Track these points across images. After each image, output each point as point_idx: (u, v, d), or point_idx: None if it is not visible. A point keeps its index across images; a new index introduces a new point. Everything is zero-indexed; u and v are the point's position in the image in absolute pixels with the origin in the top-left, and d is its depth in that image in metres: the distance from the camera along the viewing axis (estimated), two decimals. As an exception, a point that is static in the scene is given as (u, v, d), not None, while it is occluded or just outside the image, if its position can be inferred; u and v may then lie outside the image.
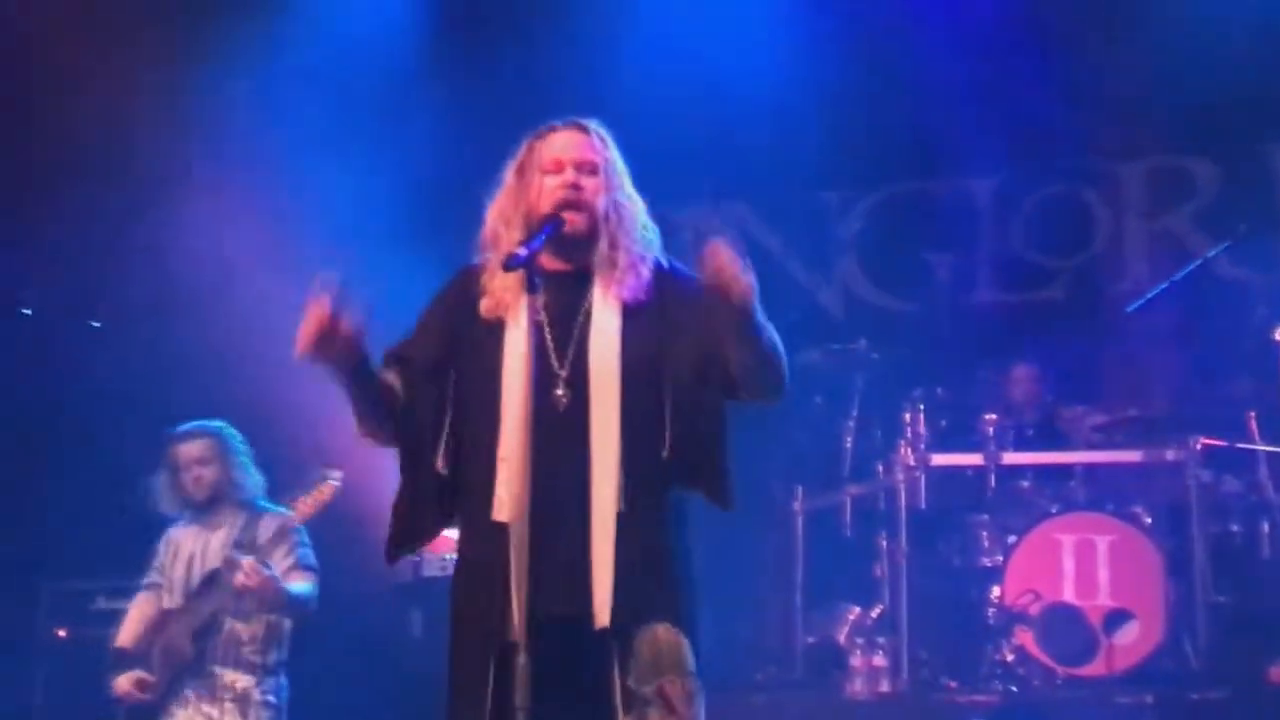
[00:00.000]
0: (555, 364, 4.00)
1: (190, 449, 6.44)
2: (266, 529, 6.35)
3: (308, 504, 6.24)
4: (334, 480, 6.25)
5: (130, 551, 6.61)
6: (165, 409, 6.87)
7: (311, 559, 6.37)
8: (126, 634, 6.40)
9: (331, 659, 7.78)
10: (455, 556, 7.20)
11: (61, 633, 6.64)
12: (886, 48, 9.10)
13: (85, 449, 8.16)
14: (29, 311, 8.69)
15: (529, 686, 3.71)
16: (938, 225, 9.48)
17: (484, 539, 3.93)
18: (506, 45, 9.09)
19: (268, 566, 6.09)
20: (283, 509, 6.40)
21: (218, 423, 6.54)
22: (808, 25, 9.00)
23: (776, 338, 3.92)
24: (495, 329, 4.03)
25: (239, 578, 6.04)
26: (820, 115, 8.92)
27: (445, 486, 4.05)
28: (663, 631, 3.81)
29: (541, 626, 3.81)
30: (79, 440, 8.28)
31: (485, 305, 4.07)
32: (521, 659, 3.72)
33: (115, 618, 6.53)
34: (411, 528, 4.12)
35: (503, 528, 3.88)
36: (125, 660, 6.31)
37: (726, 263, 3.76)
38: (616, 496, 3.90)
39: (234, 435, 6.52)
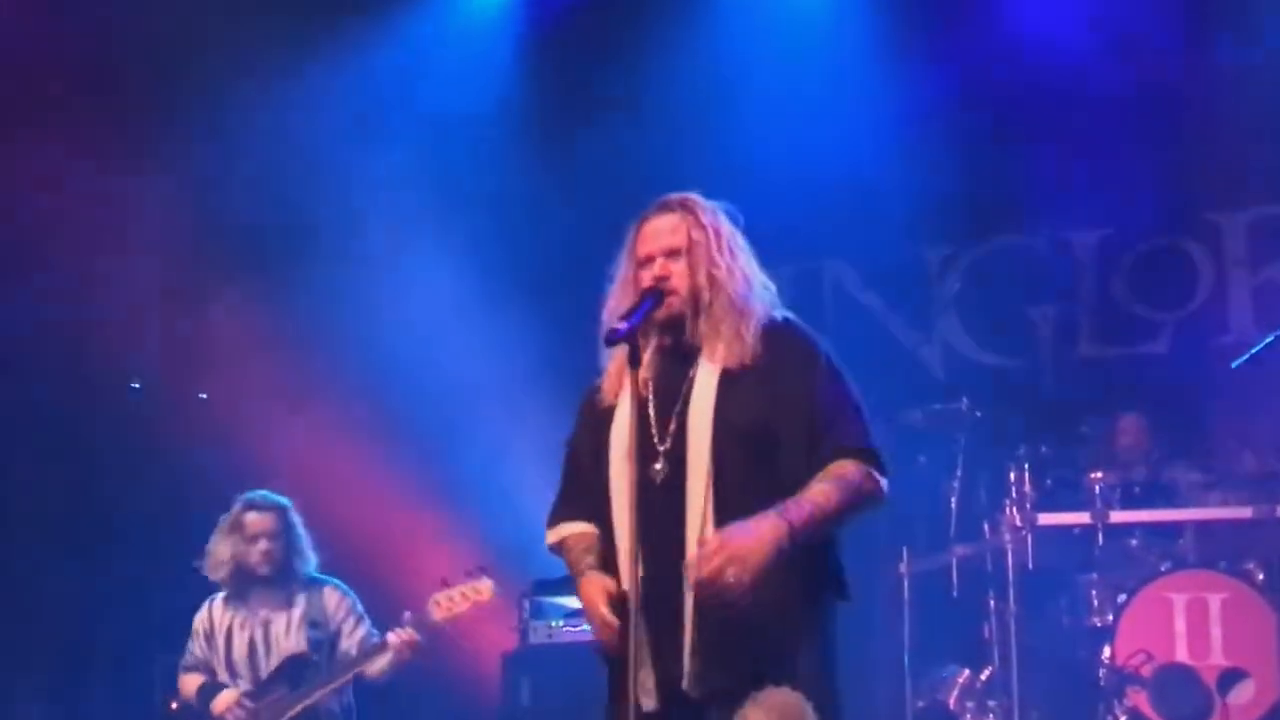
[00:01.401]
0: (656, 438, 4.03)
1: (263, 519, 6.39)
2: (331, 602, 6.38)
3: (456, 602, 6.16)
4: (486, 585, 6.17)
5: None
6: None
7: (374, 631, 6.36)
8: (197, 682, 6.39)
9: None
10: (563, 624, 7.30)
11: (174, 705, 6.66)
12: (985, 101, 9.10)
13: (199, 519, 8.26)
14: (138, 386, 8.81)
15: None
16: (1039, 280, 9.43)
17: (614, 612, 3.98)
18: (605, 114, 9.15)
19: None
20: (332, 581, 6.43)
21: (284, 498, 6.53)
22: (907, 81, 9.02)
23: (844, 503, 3.91)
24: (610, 411, 4.09)
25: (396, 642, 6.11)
26: (919, 171, 8.91)
27: None
28: (780, 696, 3.83)
29: (659, 697, 3.90)
30: (193, 510, 8.37)
31: (603, 388, 4.14)
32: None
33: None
34: None
35: (622, 603, 3.93)
36: (215, 687, 6.31)
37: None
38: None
39: (294, 511, 6.49)
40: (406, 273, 8.60)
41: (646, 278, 4.10)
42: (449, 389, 8.50)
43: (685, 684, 3.87)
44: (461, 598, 6.15)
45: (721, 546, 3.78)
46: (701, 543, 3.85)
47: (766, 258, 4.27)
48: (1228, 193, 9.03)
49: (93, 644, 8.77)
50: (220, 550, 6.40)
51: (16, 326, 8.39)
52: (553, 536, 4.21)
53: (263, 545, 6.35)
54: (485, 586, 6.16)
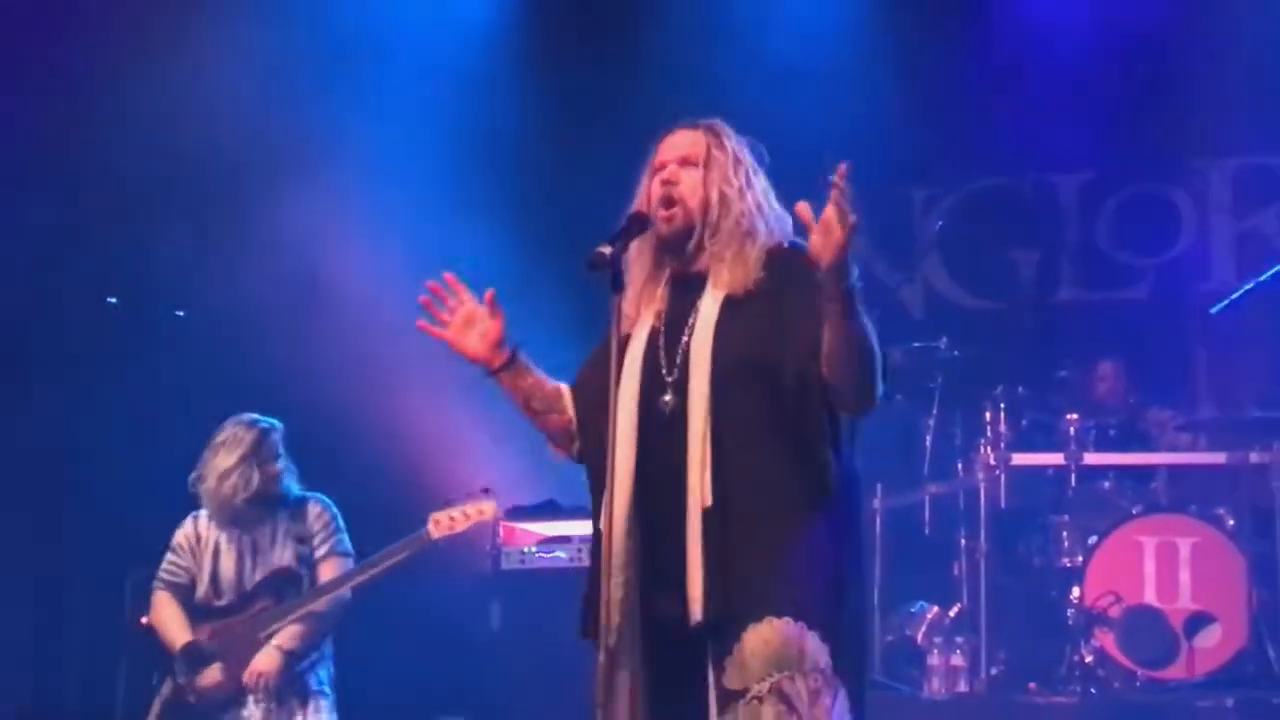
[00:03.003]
0: (664, 370, 4.00)
1: (250, 439, 6.38)
2: (313, 516, 6.41)
3: (457, 520, 6.24)
4: (490, 505, 6.25)
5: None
6: (242, 401, 6.90)
7: (347, 544, 6.41)
8: (180, 631, 6.39)
9: (408, 650, 7.85)
10: (535, 550, 7.32)
11: (144, 620, 6.67)
12: (972, 43, 9.07)
13: (169, 436, 8.24)
14: (114, 300, 8.76)
15: (607, 686, 3.74)
16: (1021, 222, 9.43)
17: (594, 543, 3.98)
18: (596, 50, 9.11)
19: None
20: (315, 495, 6.47)
21: (273, 418, 6.52)
22: (894, 22, 8.99)
23: (872, 334, 3.80)
24: (627, 341, 4.02)
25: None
26: (905, 111, 8.89)
27: None
28: (780, 626, 3.78)
29: (647, 629, 3.87)
30: (162, 427, 8.35)
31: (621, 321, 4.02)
32: (601, 657, 3.76)
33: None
34: None
35: (600, 535, 3.91)
36: (200, 654, 6.35)
37: (830, 218, 3.65)
38: (703, 493, 3.88)
39: (278, 430, 6.49)
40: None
41: (656, 185, 4.06)
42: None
43: (692, 616, 3.82)
44: (463, 516, 6.21)
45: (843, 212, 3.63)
46: None
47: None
48: (1214, 140, 9.03)
49: (62, 560, 8.76)
50: (210, 468, 6.39)
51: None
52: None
53: (274, 467, 6.39)
54: (488, 506, 6.24)
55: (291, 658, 6.24)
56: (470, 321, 4.13)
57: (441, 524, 6.22)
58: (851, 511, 3.99)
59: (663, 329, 4.03)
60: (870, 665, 7.79)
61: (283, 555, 6.36)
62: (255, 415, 6.52)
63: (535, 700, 6.83)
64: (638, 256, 4.07)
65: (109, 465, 8.42)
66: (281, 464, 6.44)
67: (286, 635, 6.26)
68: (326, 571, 6.38)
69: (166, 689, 6.34)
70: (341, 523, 6.45)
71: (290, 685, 6.27)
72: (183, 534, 6.49)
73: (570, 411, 4.16)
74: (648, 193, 4.09)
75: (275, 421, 6.52)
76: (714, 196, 4.03)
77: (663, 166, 4.08)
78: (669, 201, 4.04)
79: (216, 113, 8.42)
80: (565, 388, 4.19)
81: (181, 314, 8.72)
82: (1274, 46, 8.36)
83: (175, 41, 8.39)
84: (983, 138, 9.18)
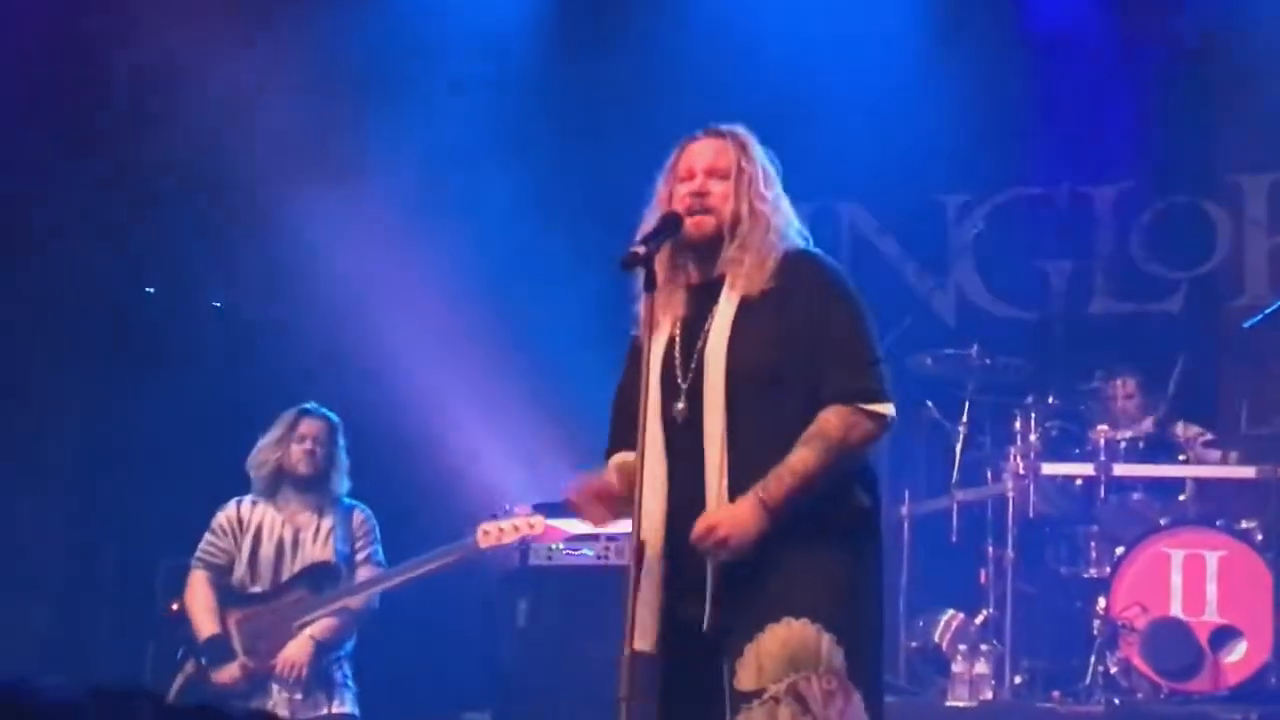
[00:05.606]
0: (680, 376, 4.05)
1: (314, 425, 6.61)
2: (357, 522, 6.56)
3: (506, 533, 6.35)
4: (540, 521, 6.42)
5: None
6: (281, 395, 6.99)
7: (382, 556, 6.62)
8: (208, 620, 6.47)
9: (435, 646, 7.89)
10: (563, 548, 7.39)
11: (175, 606, 6.75)
12: (1011, 52, 9.07)
13: (205, 423, 8.30)
14: (152, 290, 8.83)
15: (634, 683, 3.77)
16: (1055, 232, 9.41)
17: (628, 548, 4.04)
18: (631, 45, 9.13)
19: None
20: (361, 505, 6.62)
21: (334, 415, 6.71)
22: (932, 28, 8.99)
23: (821, 465, 3.91)
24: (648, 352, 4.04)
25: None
26: (941, 118, 8.88)
27: None
28: (797, 627, 3.83)
29: (668, 629, 3.94)
30: (197, 416, 8.41)
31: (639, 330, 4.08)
32: (626, 653, 3.80)
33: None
34: None
35: (635, 541, 3.95)
36: (223, 648, 6.41)
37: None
38: (718, 500, 3.92)
39: (343, 433, 6.69)
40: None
41: (682, 193, 4.08)
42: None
43: (705, 620, 3.89)
44: (513, 529, 6.45)
45: (704, 535, 3.86)
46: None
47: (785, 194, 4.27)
48: (1250, 155, 9.00)
49: (95, 548, 8.83)
50: (266, 449, 6.61)
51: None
52: (609, 473, 4.24)
53: (308, 445, 6.58)
54: (538, 522, 6.47)
55: (323, 649, 6.31)
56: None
57: (490, 535, 6.38)
58: (868, 514, 4.03)
59: (679, 336, 4.07)
60: (894, 671, 7.83)
61: (324, 550, 6.45)
62: (324, 408, 6.72)
63: (561, 696, 6.86)
64: (659, 262, 4.07)
65: (146, 452, 8.48)
66: (333, 456, 6.62)
67: (320, 627, 6.34)
68: (361, 577, 6.50)
69: (190, 667, 6.42)
70: (379, 534, 6.59)
71: (316, 677, 6.34)
72: (225, 515, 6.60)
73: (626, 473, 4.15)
74: (668, 199, 4.11)
75: (335, 416, 6.73)
76: (744, 210, 4.07)
77: (690, 176, 4.10)
78: (700, 211, 4.06)
79: (256, 112, 8.49)
80: (614, 460, 4.24)
81: (218, 305, 8.79)
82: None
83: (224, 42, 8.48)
84: (1018, 146, 9.16)
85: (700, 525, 3.88)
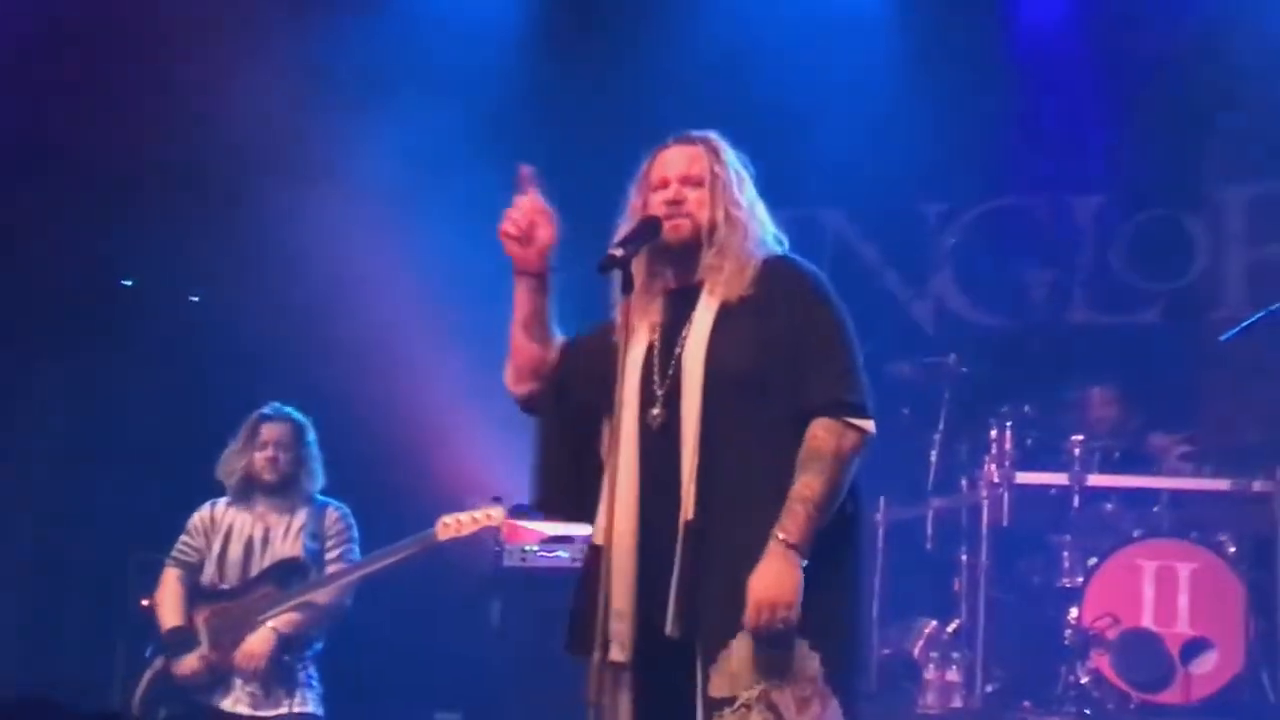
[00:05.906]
0: (656, 383, 4.02)
1: (275, 430, 6.56)
2: (330, 520, 6.52)
3: (465, 524, 6.34)
4: (499, 512, 6.39)
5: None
6: (257, 391, 6.97)
7: (357, 555, 6.56)
8: (173, 614, 6.47)
9: (408, 646, 7.88)
10: (537, 549, 7.38)
11: (145, 602, 6.75)
12: (993, 64, 9.09)
13: (180, 419, 8.29)
14: (129, 283, 8.81)
15: (600, 687, 3.77)
16: (1036, 242, 9.44)
17: (590, 554, 4.02)
18: (616, 51, 9.14)
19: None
20: (337, 503, 6.56)
21: (303, 415, 6.66)
22: (912, 39, 9.01)
23: (828, 495, 3.85)
24: (620, 351, 4.00)
25: None
26: (924, 129, 8.90)
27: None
28: (771, 637, 3.80)
29: (639, 636, 3.90)
30: (172, 412, 8.40)
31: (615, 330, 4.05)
32: (596, 655, 3.77)
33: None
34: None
35: (597, 548, 3.95)
36: (185, 639, 6.40)
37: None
38: (689, 506, 3.89)
39: (312, 430, 6.64)
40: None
41: (657, 202, 4.07)
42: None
43: (668, 626, 3.86)
44: (471, 521, 6.38)
45: (769, 621, 3.77)
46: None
47: (766, 200, 4.26)
48: (1230, 168, 9.03)
49: (66, 543, 8.81)
50: (232, 458, 6.58)
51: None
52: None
53: (270, 453, 6.53)
54: (496, 513, 6.41)
55: (285, 643, 6.29)
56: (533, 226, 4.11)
57: (449, 526, 6.35)
58: (845, 521, 3.99)
59: (657, 341, 4.05)
60: (866, 677, 7.83)
61: (293, 547, 6.45)
62: (286, 406, 6.67)
63: (534, 698, 6.86)
64: (635, 267, 4.04)
65: (120, 446, 8.47)
66: (301, 459, 6.57)
67: (283, 620, 6.32)
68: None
69: (159, 663, 6.41)
70: (356, 534, 6.57)
71: (278, 674, 6.32)
72: (199, 516, 6.61)
73: (554, 354, 4.14)
74: (642, 208, 4.10)
75: (302, 417, 6.67)
76: (720, 216, 4.06)
77: (664, 184, 4.08)
78: (676, 218, 4.05)
79: (237, 105, 8.48)
80: (562, 338, 4.19)
81: (196, 299, 8.78)
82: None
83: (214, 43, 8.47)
84: (1000, 157, 9.19)
85: (757, 616, 3.77)
